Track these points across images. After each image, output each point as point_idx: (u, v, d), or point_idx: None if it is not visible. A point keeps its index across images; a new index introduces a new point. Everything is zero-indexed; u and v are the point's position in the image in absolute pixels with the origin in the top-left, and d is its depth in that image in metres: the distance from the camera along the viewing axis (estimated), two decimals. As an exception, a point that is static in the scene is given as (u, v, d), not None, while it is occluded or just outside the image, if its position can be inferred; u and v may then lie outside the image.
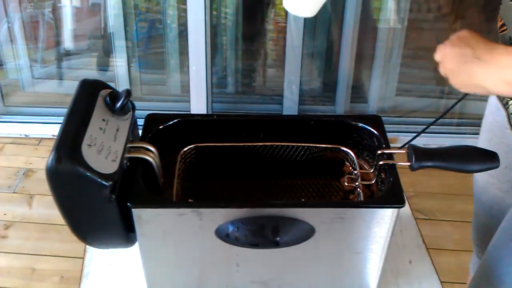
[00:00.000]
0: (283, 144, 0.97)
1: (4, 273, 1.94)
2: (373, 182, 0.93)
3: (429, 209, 2.23)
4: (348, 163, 0.99)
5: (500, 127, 1.05)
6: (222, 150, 0.97)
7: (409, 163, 0.83)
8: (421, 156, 0.83)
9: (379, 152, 0.88)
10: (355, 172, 0.96)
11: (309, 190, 0.97)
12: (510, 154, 1.04)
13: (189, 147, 0.97)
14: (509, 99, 0.99)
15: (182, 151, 0.96)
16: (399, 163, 0.85)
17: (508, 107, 0.98)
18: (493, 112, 1.08)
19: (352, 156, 0.97)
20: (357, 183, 0.94)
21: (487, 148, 1.09)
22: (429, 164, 0.83)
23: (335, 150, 0.98)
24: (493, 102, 1.07)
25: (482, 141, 1.13)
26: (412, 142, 0.87)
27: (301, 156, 0.98)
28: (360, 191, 0.93)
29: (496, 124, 1.06)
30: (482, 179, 1.14)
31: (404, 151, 0.86)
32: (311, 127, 0.98)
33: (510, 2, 0.87)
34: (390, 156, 0.87)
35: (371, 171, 0.93)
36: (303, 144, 0.97)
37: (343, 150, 0.98)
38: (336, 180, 0.99)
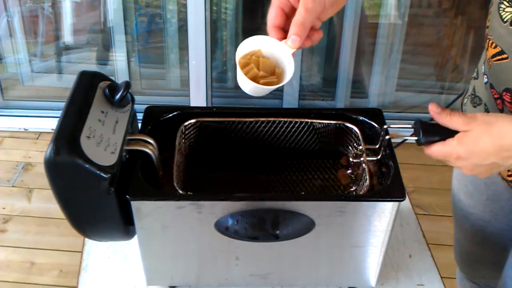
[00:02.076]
0: (285, 119, 0.96)
1: (3, 267, 1.94)
2: (379, 157, 0.90)
3: (429, 205, 2.23)
4: (350, 143, 0.97)
5: None
6: (223, 126, 0.96)
7: (416, 138, 0.80)
8: (429, 131, 0.79)
9: (384, 126, 0.87)
10: (360, 147, 0.93)
11: (309, 184, 0.97)
12: (491, 186, 1.03)
13: (189, 121, 0.95)
14: None
15: (182, 126, 0.94)
16: (406, 138, 0.82)
17: None
18: None
19: (357, 132, 0.94)
20: (361, 159, 0.92)
21: (466, 179, 1.09)
22: (436, 138, 0.79)
23: (339, 126, 0.96)
24: None
25: (460, 173, 1.11)
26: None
27: (304, 135, 0.97)
28: (366, 168, 0.90)
29: None
30: (463, 209, 1.13)
31: (410, 126, 0.83)
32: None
33: (511, 27, 0.81)
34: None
35: (377, 146, 0.91)
36: (306, 120, 0.96)
37: (348, 126, 0.95)
38: (339, 166, 0.97)
